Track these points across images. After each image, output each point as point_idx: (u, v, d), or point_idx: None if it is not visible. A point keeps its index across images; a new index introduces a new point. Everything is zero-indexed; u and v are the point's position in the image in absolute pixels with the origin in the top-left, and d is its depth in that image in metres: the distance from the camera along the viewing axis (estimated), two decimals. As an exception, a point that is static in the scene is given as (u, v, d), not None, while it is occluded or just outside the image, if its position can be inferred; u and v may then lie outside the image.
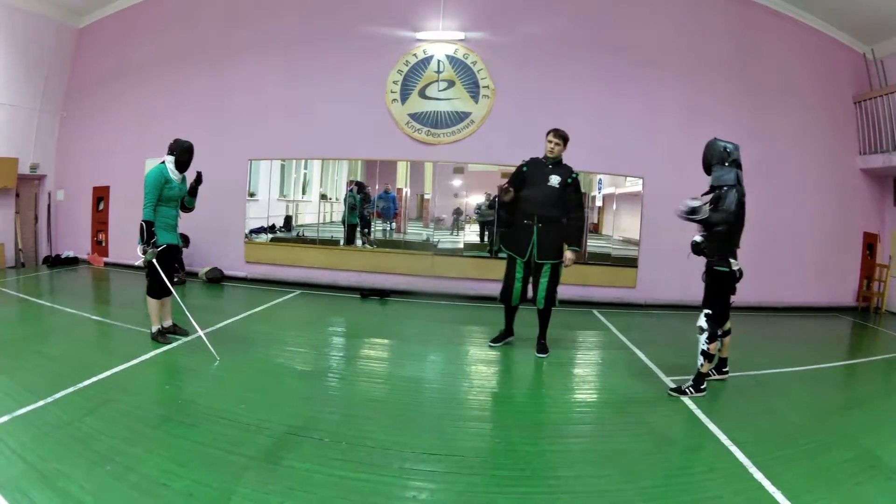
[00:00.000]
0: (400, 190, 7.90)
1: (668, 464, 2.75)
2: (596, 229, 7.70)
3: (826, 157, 7.80)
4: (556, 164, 4.64)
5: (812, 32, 7.77)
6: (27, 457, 2.43)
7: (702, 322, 3.70)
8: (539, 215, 4.53)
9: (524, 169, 4.69)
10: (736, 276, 3.67)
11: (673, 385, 3.88)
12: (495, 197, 4.51)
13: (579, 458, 2.76)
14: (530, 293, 4.73)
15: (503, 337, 4.93)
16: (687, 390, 3.69)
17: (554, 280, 4.61)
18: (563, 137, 4.61)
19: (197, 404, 3.24)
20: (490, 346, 4.86)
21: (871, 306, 7.89)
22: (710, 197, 3.69)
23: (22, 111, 8.39)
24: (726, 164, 3.67)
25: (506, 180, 4.87)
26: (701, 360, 3.68)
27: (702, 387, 3.70)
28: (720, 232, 3.64)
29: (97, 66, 8.86)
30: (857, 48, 7.92)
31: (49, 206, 9.07)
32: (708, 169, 3.77)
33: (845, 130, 7.88)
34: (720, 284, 3.70)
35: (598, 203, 7.68)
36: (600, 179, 7.60)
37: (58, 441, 2.60)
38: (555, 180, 4.56)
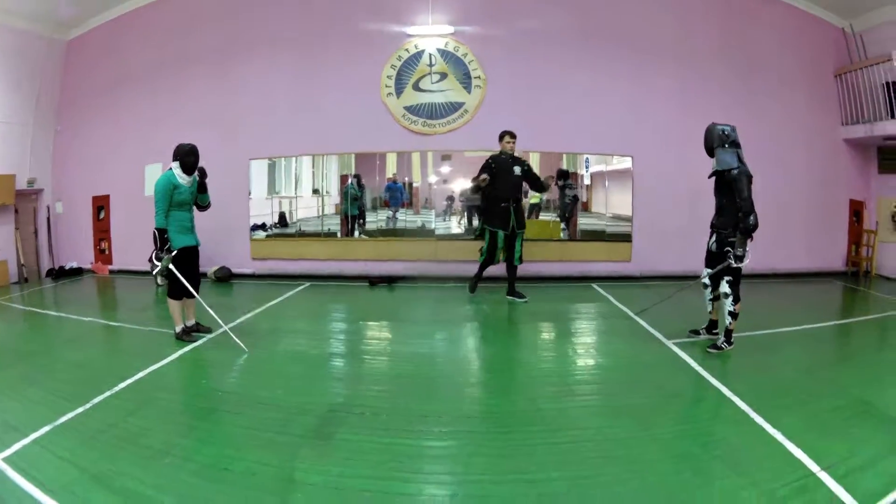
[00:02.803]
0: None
1: (676, 414, 3.03)
2: (586, 207, 7.88)
3: (811, 130, 8.04)
4: (514, 158, 6.01)
5: (793, 11, 7.97)
6: (77, 462, 2.38)
7: (726, 288, 4.05)
8: (512, 198, 5.92)
9: (491, 164, 5.93)
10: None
11: (675, 342, 4.36)
12: (475, 185, 6.05)
13: (597, 413, 3.05)
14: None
15: (476, 285, 6.38)
16: (722, 345, 4.10)
17: (521, 244, 6.06)
18: (515, 137, 6.00)
19: (238, 394, 3.36)
20: (471, 295, 6.27)
21: (861, 270, 8.14)
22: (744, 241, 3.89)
23: (16, 127, 8.33)
24: (726, 145, 3.94)
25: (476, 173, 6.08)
26: (729, 319, 4.07)
27: (731, 340, 4.12)
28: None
29: (88, 78, 8.82)
30: (837, 23, 8.10)
31: (48, 219, 9.03)
32: (710, 151, 4.04)
33: (828, 103, 8.10)
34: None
35: (587, 182, 7.86)
36: (587, 158, 7.79)
37: (106, 444, 2.57)
38: (517, 170, 5.95)
